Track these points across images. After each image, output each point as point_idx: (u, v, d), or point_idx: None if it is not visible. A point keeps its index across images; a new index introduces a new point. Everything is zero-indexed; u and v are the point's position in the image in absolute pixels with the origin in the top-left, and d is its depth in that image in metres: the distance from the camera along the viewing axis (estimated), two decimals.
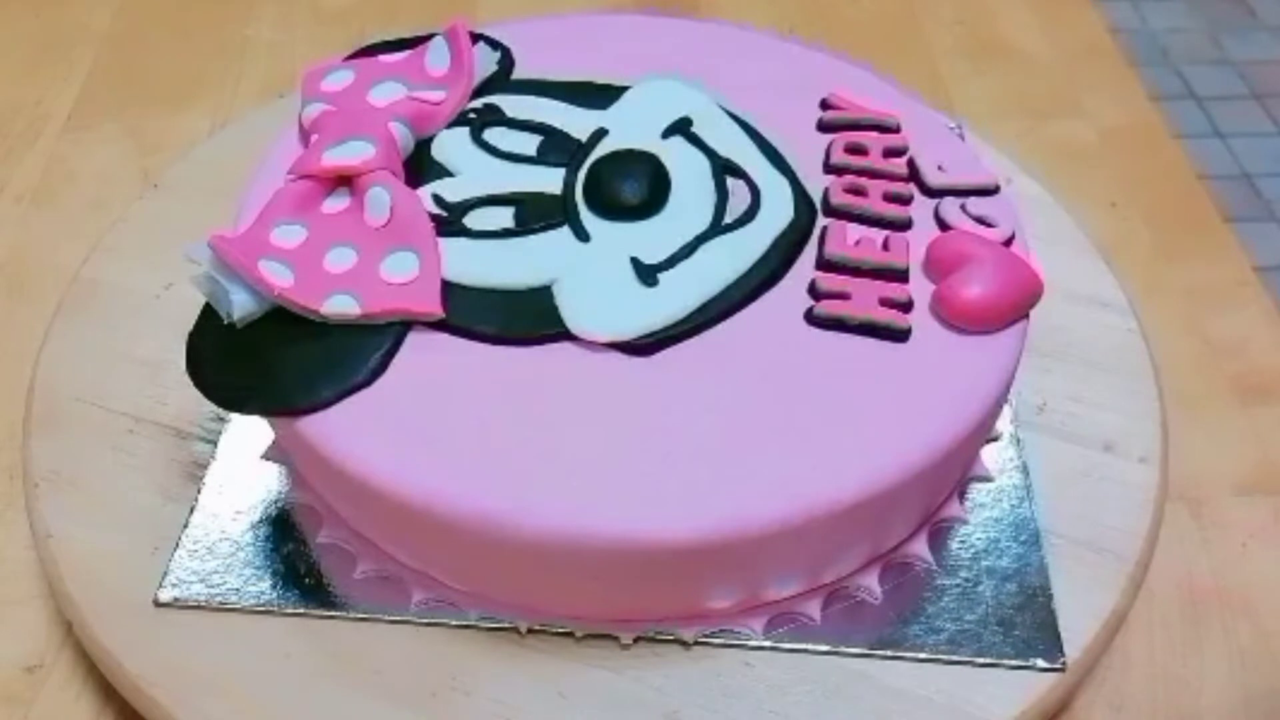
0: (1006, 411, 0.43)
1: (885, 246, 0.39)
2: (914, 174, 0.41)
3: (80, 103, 0.58)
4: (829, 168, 0.41)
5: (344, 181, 0.39)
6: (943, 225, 0.40)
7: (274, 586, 0.37)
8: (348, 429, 0.34)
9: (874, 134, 0.42)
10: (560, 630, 0.36)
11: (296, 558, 0.38)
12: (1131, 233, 0.54)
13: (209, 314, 0.37)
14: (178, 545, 0.38)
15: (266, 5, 0.64)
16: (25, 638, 0.39)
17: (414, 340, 0.36)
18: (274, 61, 0.60)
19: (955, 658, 0.36)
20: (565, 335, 0.36)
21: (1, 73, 0.60)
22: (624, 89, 0.43)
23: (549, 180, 0.40)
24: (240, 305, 0.36)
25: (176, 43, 0.62)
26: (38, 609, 0.40)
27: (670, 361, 0.36)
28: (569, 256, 0.38)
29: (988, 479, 0.40)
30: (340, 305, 0.36)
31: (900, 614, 0.37)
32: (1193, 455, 0.45)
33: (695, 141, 0.41)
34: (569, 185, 0.40)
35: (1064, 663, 0.36)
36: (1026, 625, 0.37)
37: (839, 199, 0.40)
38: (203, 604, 0.37)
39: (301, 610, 0.37)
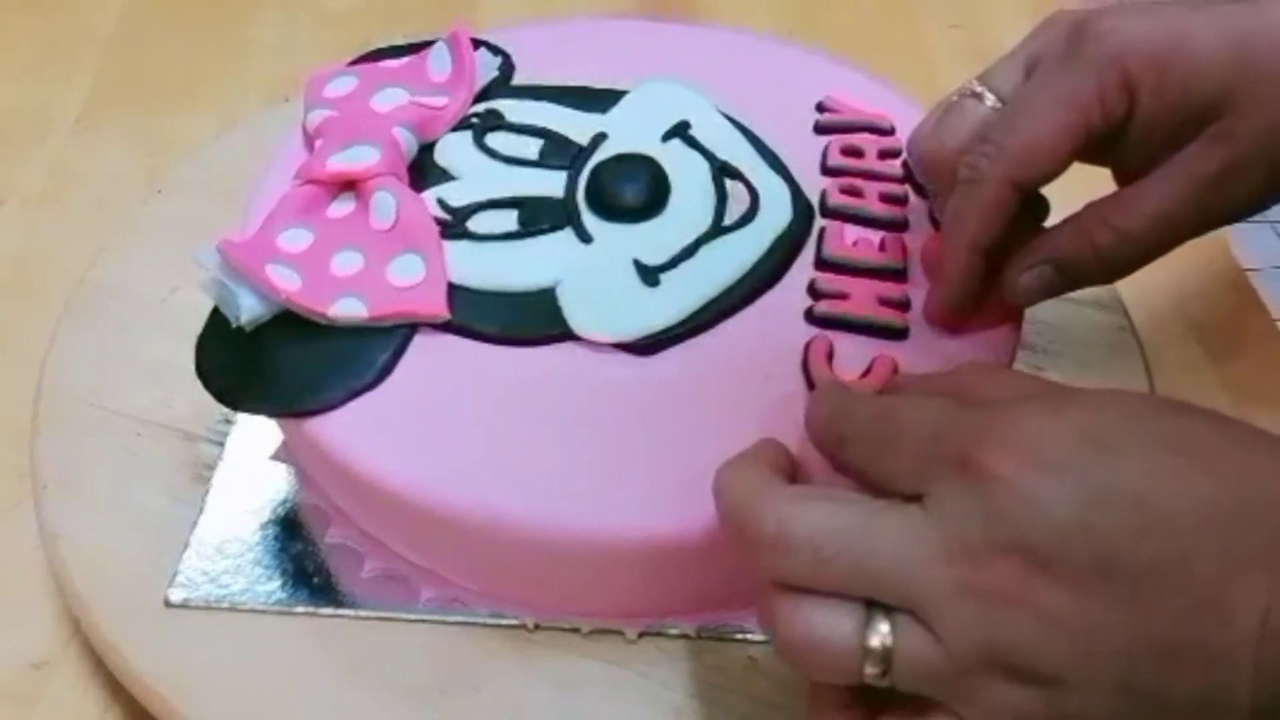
0: None
1: (882, 247, 0.39)
2: (909, 175, 0.42)
3: (87, 105, 0.58)
4: (826, 169, 0.42)
5: (349, 186, 0.40)
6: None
7: (283, 586, 0.37)
8: (355, 430, 0.35)
9: (870, 136, 0.43)
10: (567, 626, 0.36)
11: (305, 557, 0.38)
12: None
13: (217, 317, 0.37)
14: (187, 546, 0.38)
15: (270, 8, 0.64)
16: (32, 635, 0.39)
17: (420, 342, 0.37)
18: (278, 64, 0.60)
19: None
20: (569, 336, 0.37)
21: (8, 75, 0.60)
22: (623, 93, 0.44)
23: (551, 183, 0.41)
24: (248, 309, 0.36)
25: (182, 45, 0.62)
26: (44, 607, 0.40)
27: (673, 361, 0.36)
28: (572, 258, 0.38)
29: None
30: (348, 308, 0.36)
31: None
32: None
33: (694, 144, 0.42)
34: (571, 188, 0.40)
35: None
36: None
37: (836, 200, 0.40)
38: (212, 604, 0.37)
39: (310, 610, 0.37)
